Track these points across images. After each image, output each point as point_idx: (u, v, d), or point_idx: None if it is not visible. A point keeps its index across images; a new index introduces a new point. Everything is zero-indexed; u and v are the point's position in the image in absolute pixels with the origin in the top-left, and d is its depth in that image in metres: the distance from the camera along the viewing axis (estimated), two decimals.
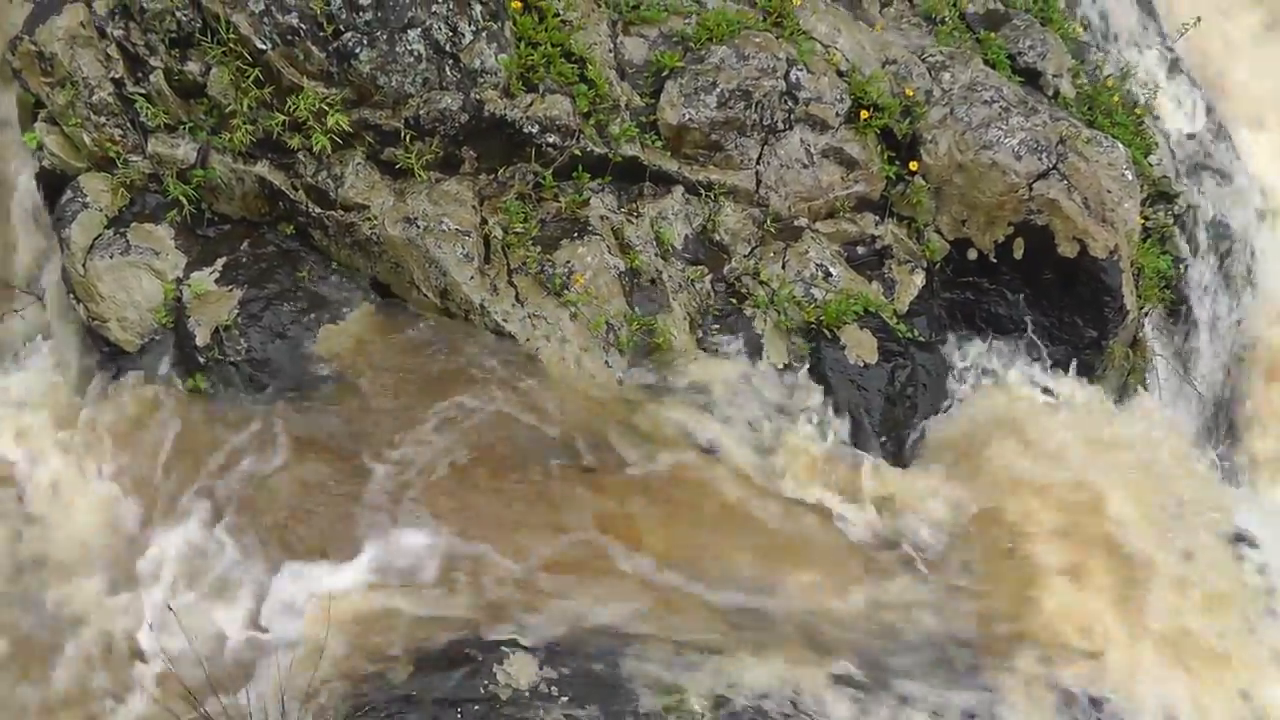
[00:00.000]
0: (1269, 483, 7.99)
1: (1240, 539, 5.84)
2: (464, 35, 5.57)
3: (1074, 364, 6.37)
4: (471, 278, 5.35)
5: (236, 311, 5.37)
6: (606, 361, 5.36)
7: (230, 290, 5.44)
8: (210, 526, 4.95)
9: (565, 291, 5.40)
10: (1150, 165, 7.20)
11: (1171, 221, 7.33)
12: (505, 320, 5.34)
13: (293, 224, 5.62)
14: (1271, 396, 8.14)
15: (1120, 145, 6.50)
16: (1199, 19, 8.30)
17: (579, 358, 5.33)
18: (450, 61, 5.56)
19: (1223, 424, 7.94)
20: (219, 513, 4.98)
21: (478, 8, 5.62)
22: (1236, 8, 9.21)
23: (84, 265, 5.50)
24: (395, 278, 5.49)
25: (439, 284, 5.37)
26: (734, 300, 5.75)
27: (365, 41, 5.38)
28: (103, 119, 5.60)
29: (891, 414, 5.77)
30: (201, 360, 5.31)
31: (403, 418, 5.10)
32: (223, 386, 5.31)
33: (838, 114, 6.13)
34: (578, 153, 5.71)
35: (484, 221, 5.52)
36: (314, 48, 5.35)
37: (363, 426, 5.11)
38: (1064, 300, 6.35)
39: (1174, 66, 8.27)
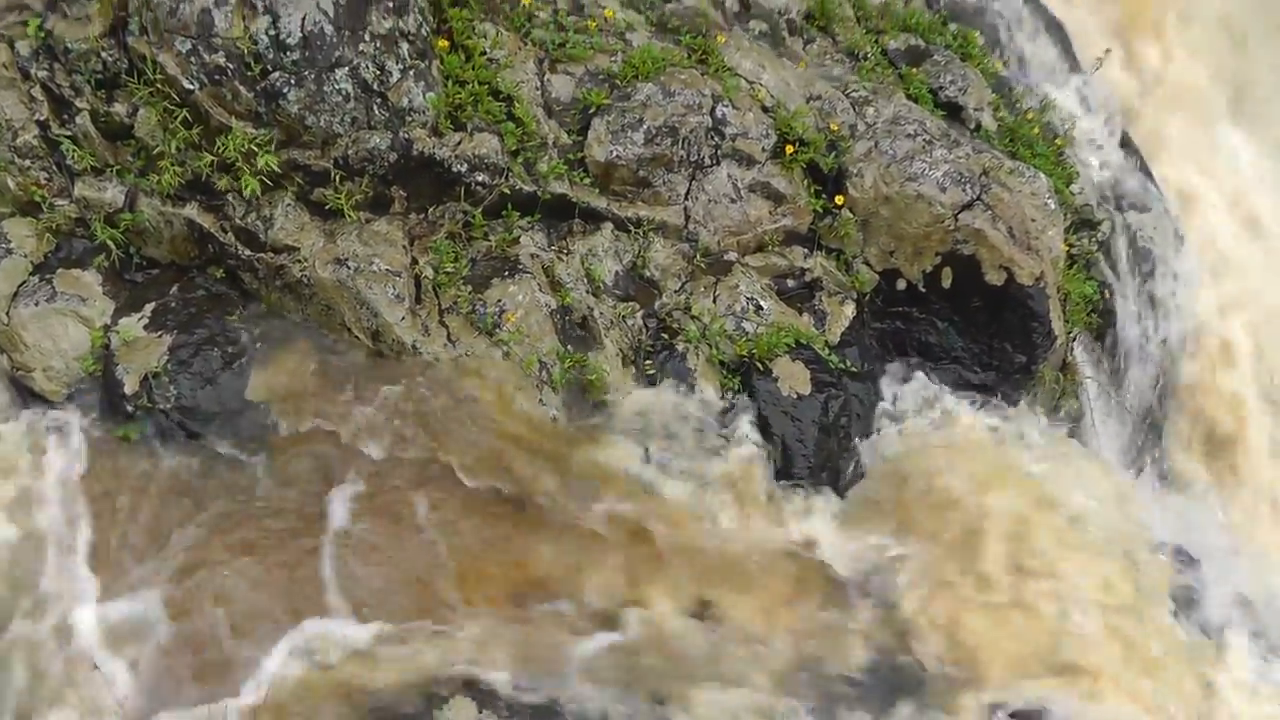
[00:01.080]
0: (1197, 494, 8.28)
1: (1168, 550, 6.07)
2: (391, 74, 5.67)
3: (1005, 388, 6.56)
4: (403, 319, 5.39)
5: (166, 358, 5.35)
6: (540, 400, 5.42)
7: (159, 336, 5.42)
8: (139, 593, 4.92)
9: (497, 331, 5.46)
10: (1072, 194, 7.47)
11: (1095, 248, 7.59)
12: (437, 360, 5.37)
13: (222, 267, 5.63)
14: (1195, 411, 8.43)
15: (1042, 175, 6.74)
16: (1109, 51, 8.67)
17: (512, 397, 5.38)
18: (378, 100, 5.64)
19: (1153, 439, 8.20)
20: (150, 580, 4.94)
21: (405, 46, 5.73)
22: (1143, 42, 9.61)
23: (7, 314, 5.48)
24: (327, 320, 5.50)
25: (370, 326, 5.41)
26: (666, 335, 5.85)
27: (293, 81, 5.46)
28: (27, 162, 5.61)
29: (826, 444, 5.90)
30: (130, 409, 5.29)
31: (334, 466, 5.13)
32: (152, 435, 5.28)
33: (764, 149, 6.29)
34: (507, 191, 5.80)
35: (415, 261, 5.58)
36: (242, 87, 5.41)
37: (295, 477, 5.14)
38: (993, 327, 6.53)
39: (1090, 99, 8.58)
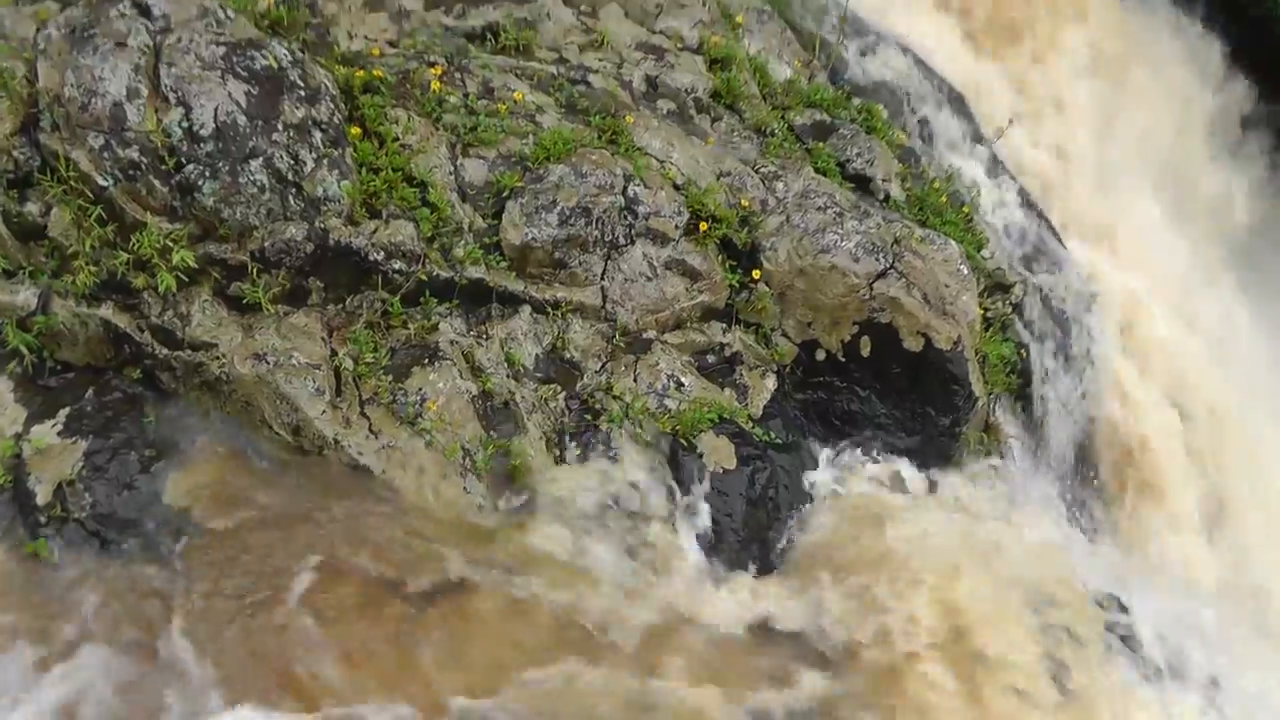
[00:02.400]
0: (1124, 545, 8.55)
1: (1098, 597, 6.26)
2: (305, 163, 5.76)
3: (931, 452, 6.80)
4: (323, 412, 5.43)
5: (80, 464, 5.28)
6: (465, 488, 5.49)
7: (74, 442, 5.37)
8: None
9: (419, 420, 5.53)
10: (983, 259, 7.77)
11: (1010, 310, 7.87)
12: (360, 454, 5.42)
13: (139, 368, 5.60)
14: (1117, 465, 8.72)
15: (953, 242, 7.01)
16: (1011, 121, 9.09)
17: (437, 486, 5.44)
18: (293, 190, 5.72)
19: (1078, 493, 8.47)
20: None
21: (318, 135, 5.84)
22: (1046, 109, 10.06)
23: None
24: (246, 417, 5.52)
25: (291, 421, 5.44)
26: (589, 416, 5.96)
27: (208, 173, 5.52)
28: None
29: (754, 517, 6.05)
30: (43, 520, 5.16)
31: (258, 566, 5.08)
32: (66, 548, 5.14)
33: (677, 226, 6.48)
34: (424, 278, 5.90)
35: (334, 353, 5.63)
36: (156, 182, 5.47)
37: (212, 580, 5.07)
38: (915, 392, 6.78)
39: (995, 166, 8.96)
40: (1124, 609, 6.30)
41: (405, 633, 4.98)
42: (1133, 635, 6.17)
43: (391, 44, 6.92)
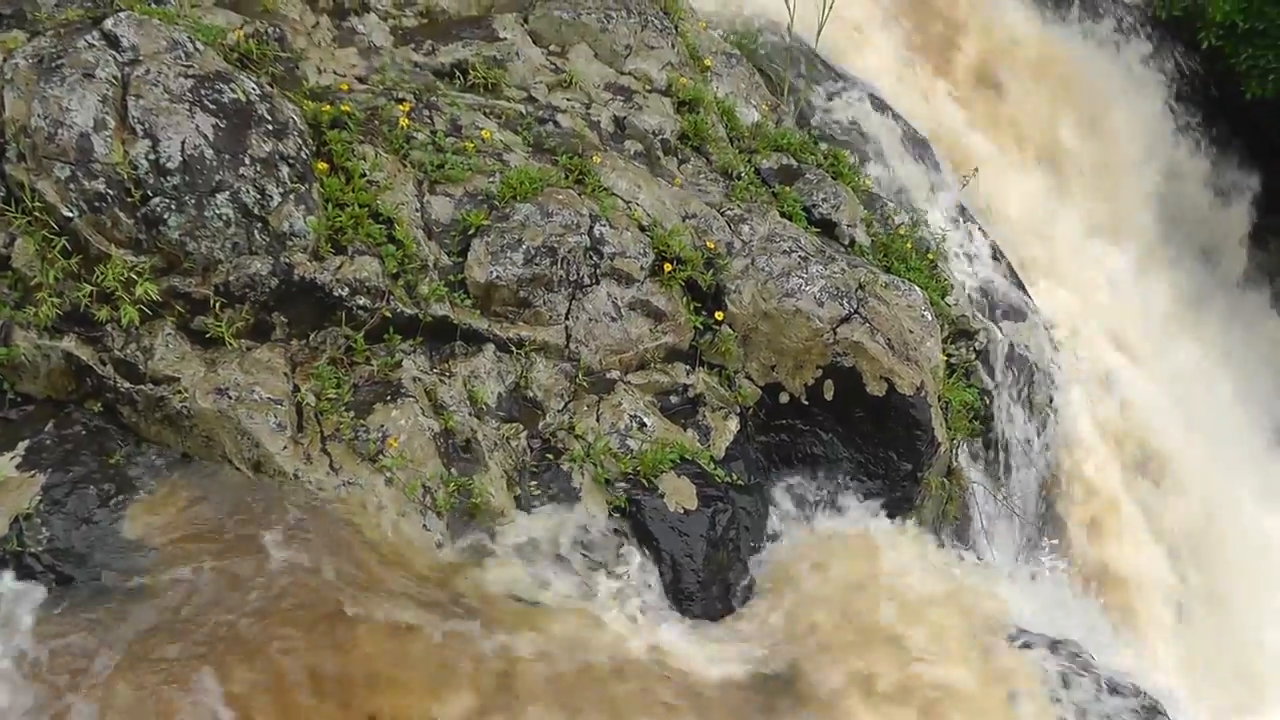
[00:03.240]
0: (1085, 590, 8.69)
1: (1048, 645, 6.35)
2: (272, 198, 5.83)
3: (892, 497, 6.87)
4: (284, 448, 5.47)
5: (39, 498, 5.25)
6: (425, 525, 5.53)
7: (33, 475, 5.36)
8: None
9: (380, 457, 5.57)
10: (948, 305, 7.92)
11: (974, 356, 8.04)
12: (320, 489, 5.45)
13: (100, 401, 5.61)
14: (1076, 512, 8.88)
15: (917, 288, 7.16)
16: (976, 170, 9.31)
17: (396, 524, 5.48)
18: (259, 225, 5.79)
19: (1043, 537, 8.62)
20: None
21: (285, 169, 5.91)
22: (1010, 166, 10.30)
23: None
24: (207, 452, 5.53)
25: (252, 456, 5.46)
26: (550, 456, 6.04)
27: (174, 206, 5.58)
28: None
29: (715, 558, 6.12)
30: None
31: (212, 605, 5.04)
32: (21, 582, 5.09)
33: (642, 267, 6.59)
34: (388, 314, 5.96)
35: (296, 389, 5.67)
36: (122, 214, 5.51)
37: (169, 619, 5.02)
38: (877, 436, 6.87)
39: (960, 213, 9.15)
40: (1079, 656, 6.37)
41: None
42: (1094, 685, 6.27)
43: (360, 80, 6.99)
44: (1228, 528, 10.11)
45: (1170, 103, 13.83)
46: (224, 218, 5.70)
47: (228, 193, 5.71)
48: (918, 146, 9.50)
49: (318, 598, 5.05)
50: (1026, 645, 6.22)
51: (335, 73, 6.97)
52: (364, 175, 6.28)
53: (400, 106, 6.72)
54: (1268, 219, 15.71)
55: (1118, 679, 6.26)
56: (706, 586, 6.05)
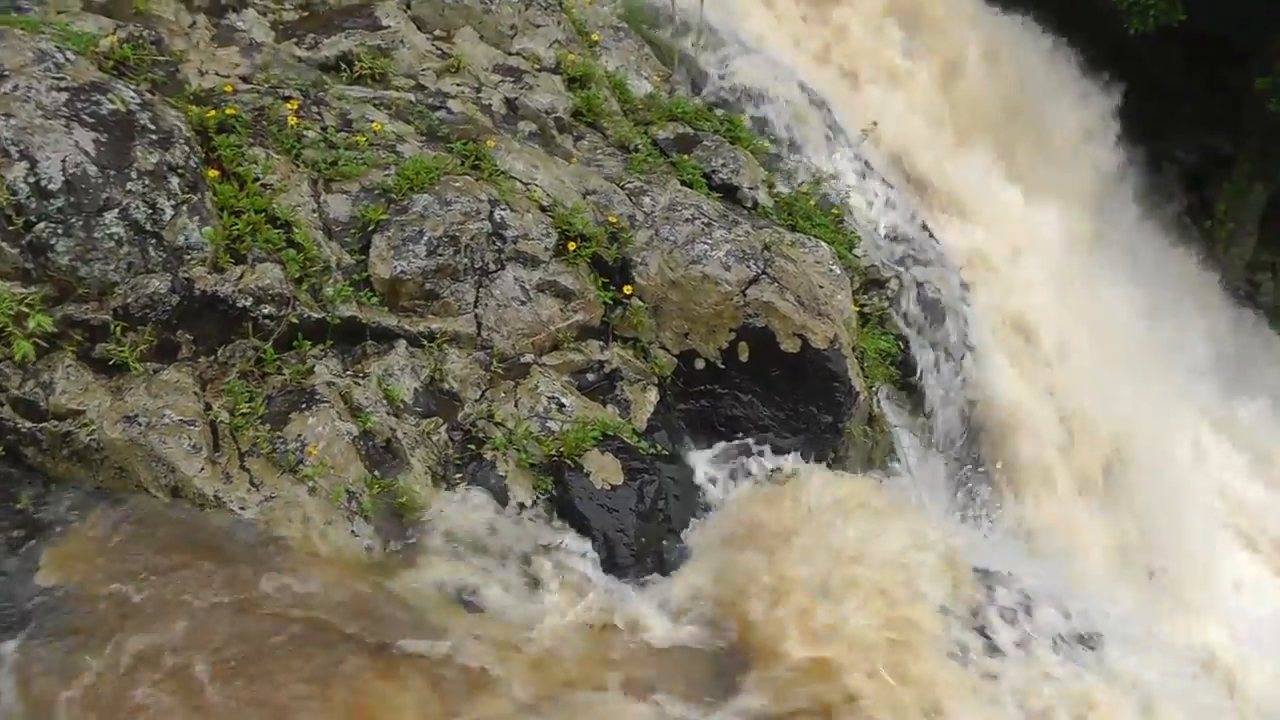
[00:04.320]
0: (1013, 524, 8.94)
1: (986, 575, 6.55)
2: (164, 211, 5.76)
3: (817, 449, 7.00)
4: (202, 469, 5.40)
5: None
6: (352, 531, 5.53)
7: None
8: None
9: (300, 467, 5.54)
10: (856, 257, 8.07)
11: (886, 304, 8.20)
12: (242, 508, 5.40)
13: (1, 444, 5.43)
14: (999, 446, 9.12)
15: (823, 244, 7.29)
16: (875, 124, 9.46)
17: (323, 532, 5.46)
18: (153, 241, 5.72)
19: (966, 476, 8.84)
20: None
21: (175, 180, 5.84)
22: (909, 112, 10.49)
23: None
24: (121, 483, 5.42)
25: (168, 482, 5.39)
26: (472, 446, 6.07)
27: (61, 230, 5.47)
28: None
29: (646, 530, 6.21)
30: None
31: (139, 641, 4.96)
32: None
33: (547, 248, 6.64)
34: (295, 320, 5.95)
35: (208, 407, 5.60)
36: (5, 244, 5.39)
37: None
38: (796, 392, 7.00)
39: (863, 167, 9.30)
40: (1000, 583, 6.56)
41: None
42: (1015, 608, 6.45)
43: (244, 80, 6.96)
44: (1147, 447, 10.41)
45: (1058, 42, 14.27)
46: (115, 237, 5.61)
47: (117, 210, 5.63)
48: (815, 105, 9.61)
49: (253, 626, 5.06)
50: (956, 579, 6.36)
51: (218, 74, 6.93)
52: (257, 179, 6.25)
53: (288, 105, 6.71)
54: (1153, 148, 16.35)
55: (1049, 601, 6.46)
56: (641, 558, 6.12)
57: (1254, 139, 17.05)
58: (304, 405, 5.79)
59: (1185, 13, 15.16)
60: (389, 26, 7.66)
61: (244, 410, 5.64)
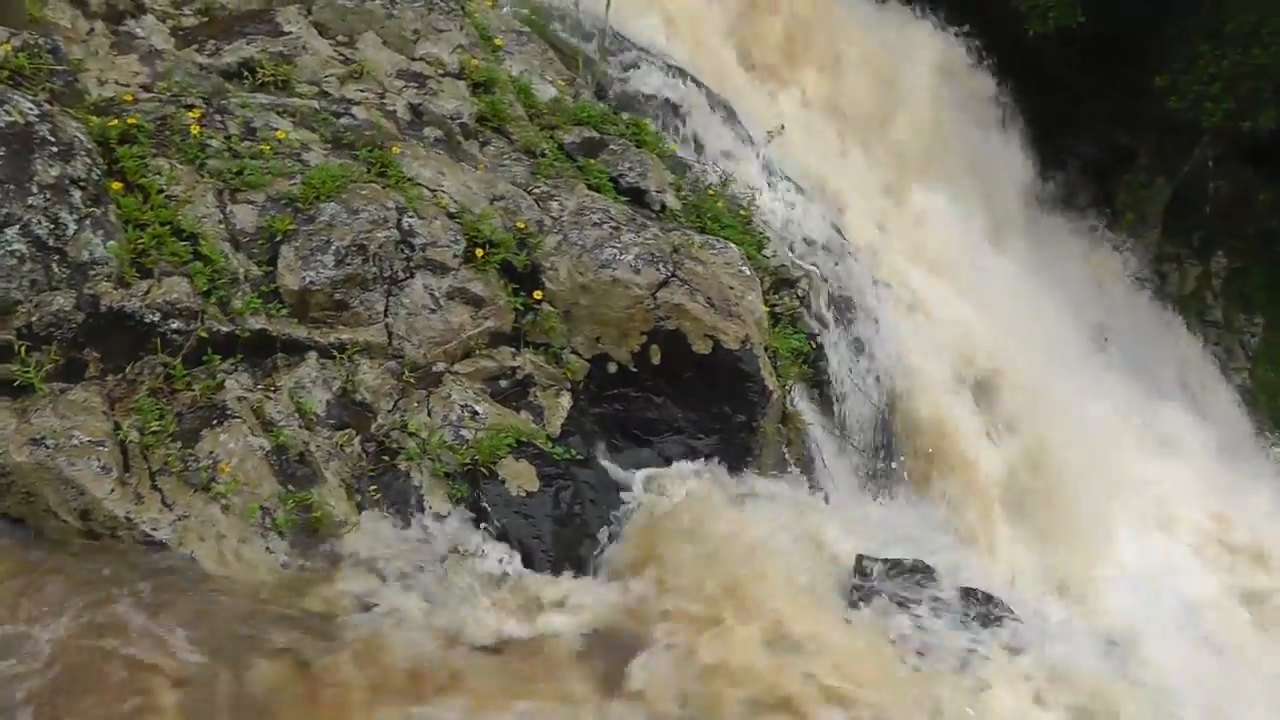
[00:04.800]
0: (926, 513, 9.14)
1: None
2: (67, 226, 5.69)
3: (732, 449, 7.11)
4: (112, 491, 5.32)
5: None
6: (267, 548, 5.51)
7: None
8: None
9: (213, 484, 5.51)
10: (766, 258, 8.20)
11: (797, 303, 8.34)
12: (154, 529, 5.34)
13: None
14: (910, 437, 9.32)
15: (732, 245, 7.41)
16: (782, 126, 9.62)
17: (238, 550, 5.43)
18: (56, 257, 5.64)
19: (881, 468, 9.02)
20: None
21: (77, 194, 5.77)
22: (815, 120, 10.68)
23: None
24: (29, 509, 5.32)
25: (78, 505, 5.29)
26: (387, 457, 6.09)
27: None
28: None
29: (563, 535, 6.29)
30: None
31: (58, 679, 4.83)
32: None
33: (455, 255, 6.68)
34: (204, 335, 5.90)
35: (118, 427, 5.53)
36: None
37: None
38: (709, 393, 7.10)
39: (769, 168, 9.45)
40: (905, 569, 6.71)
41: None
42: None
43: (145, 88, 6.88)
44: (1055, 424, 10.67)
45: (957, 46, 14.66)
46: (17, 254, 5.52)
47: (17, 226, 5.55)
48: (720, 108, 9.75)
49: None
50: (864, 570, 6.58)
51: (118, 83, 6.84)
52: (161, 191, 6.19)
53: (190, 113, 6.65)
54: (1057, 144, 16.83)
55: (957, 587, 6.66)
56: (558, 563, 6.19)
57: (1153, 134, 17.61)
58: (215, 421, 5.75)
59: (1084, 14, 15.67)
60: (290, 32, 7.63)
61: (154, 428, 5.58)
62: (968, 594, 6.66)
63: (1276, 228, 19.10)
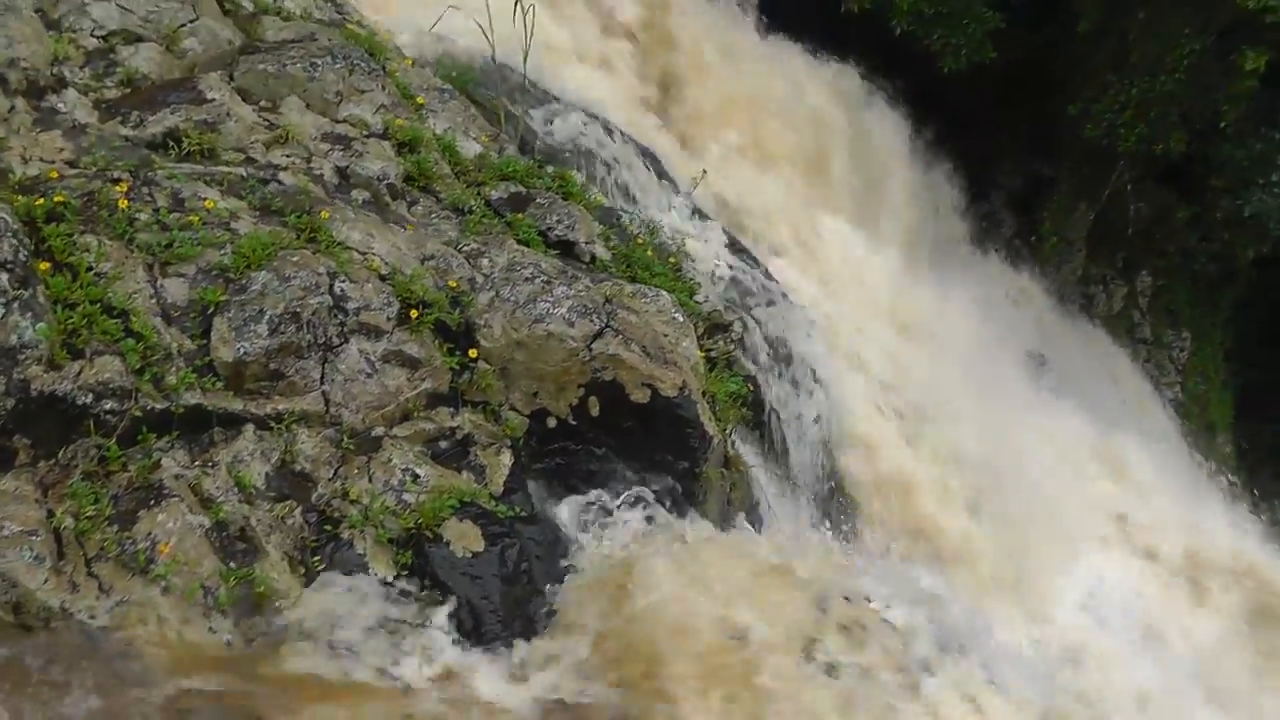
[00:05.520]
0: (875, 545, 9.18)
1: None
2: None
3: (675, 497, 7.08)
4: (46, 581, 5.21)
5: None
6: (210, 628, 5.42)
7: None
8: None
9: (151, 566, 5.40)
10: (698, 303, 8.21)
11: (732, 347, 8.36)
12: (91, 616, 5.23)
13: None
14: (854, 474, 9.36)
15: (664, 293, 7.40)
16: (704, 172, 9.70)
17: (180, 631, 5.33)
18: None
19: (827, 506, 9.05)
20: None
21: (4, 276, 5.68)
22: (737, 163, 10.77)
23: None
24: None
25: (10, 598, 5.16)
26: (329, 527, 6.02)
27: None
28: None
29: (512, 594, 6.23)
30: None
31: None
32: None
33: (389, 317, 6.61)
34: (138, 413, 5.80)
35: (51, 514, 5.42)
36: None
37: None
38: (650, 442, 7.08)
39: (696, 214, 9.50)
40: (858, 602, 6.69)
41: None
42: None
43: (71, 164, 6.77)
44: (999, 451, 10.77)
45: (876, 90, 14.98)
46: None
47: None
48: (643, 155, 9.79)
49: None
50: (822, 607, 6.51)
51: (43, 160, 6.74)
52: (90, 268, 6.09)
53: (117, 188, 6.54)
54: (979, 176, 17.22)
55: (913, 615, 6.67)
56: (508, 623, 6.13)
57: (1072, 161, 18.01)
58: (152, 501, 5.65)
59: (994, 50, 16.11)
60: (214, 99, 7.55)
61: (90, 513, 5.47)
62: (923, 619, 6.66)
63: (1196, 245, 19.56)
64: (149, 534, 5.53)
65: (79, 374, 5.76)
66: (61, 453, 5.70)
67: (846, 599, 6.63)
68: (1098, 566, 11.89)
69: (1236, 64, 15.09)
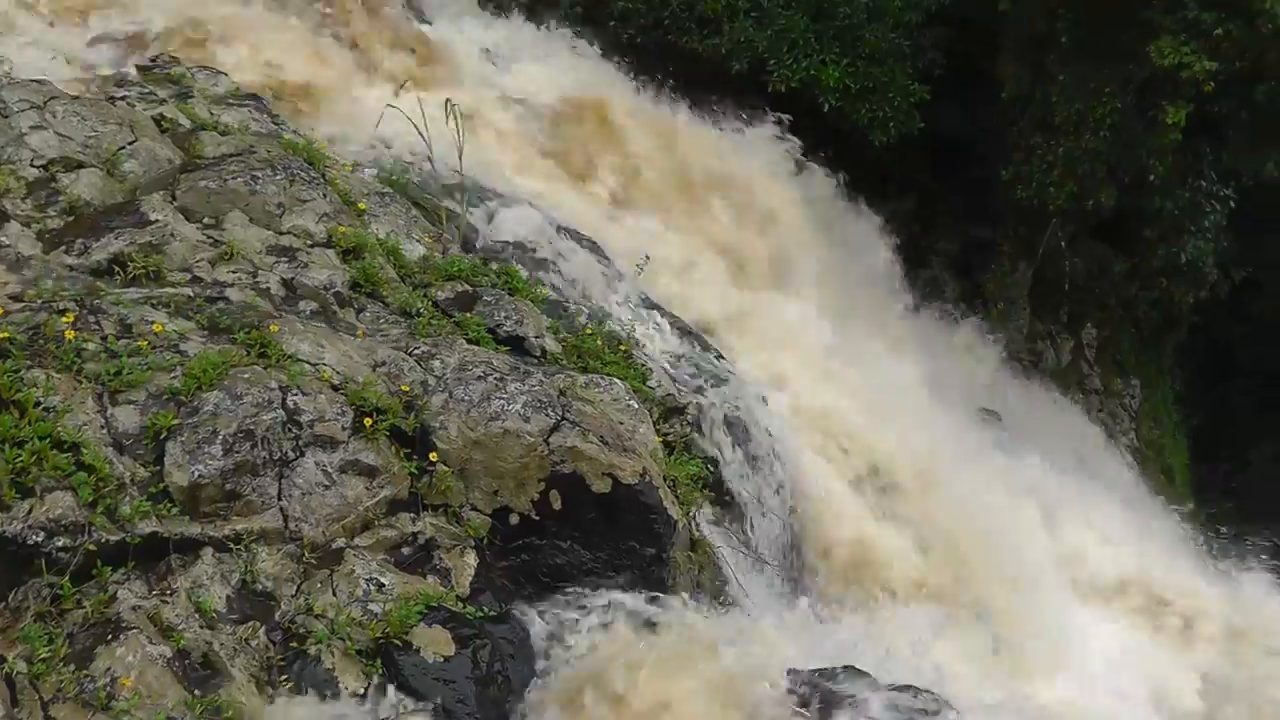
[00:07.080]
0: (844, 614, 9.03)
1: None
2: None
3: (644, 584, 6.93)
4: None
5: None
6: None
7: None
8: None
9: (113, 702, 5.16)
10: (651, 389, 8.14)
11: (689, 429, 8.27)
12: None
13: None
14: (821, 544, 9.24)
15: (617, 381, 7.33)
16: (648, 257, 9.66)
17: None
18: None
19: (795, 580, 8.91)
20: None
21: None
22: (661, 242, 10.78)
23: None
24: None
25: None
26: (295, 644, 5.82)
27: None
28: None
29: (487, 695, 6.04)
30: None
31: None
32: None
33: (344, 427, 6.46)
34: (92, 547, 5.59)
35: (2, 660, 5.21)
36: None
37: None
38: (615, 531, 6.95)
39: (643, 301, 9.45)
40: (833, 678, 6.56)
41: None
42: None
43: (15, 298, 6.60)
44: (960, 512, 10.66)
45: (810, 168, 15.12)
46: None
47: None
48: (586, 246, 9.76)
49: None
50: (792, 687, 6.35)
51: None
52: (39, 404, 5.91)
53: (64, 318, 6.38)
54: (919, 244, 17.42)
55: (889, 685, 6.51)
56: None
57: (1009, 223, 18.20)
58: (110, 636, 5.41)
59: (922, 121, 16.30)
60: (157, 221, 7.43)
61: (44, 655, 5.24)
62: (902, 690, 6.51)
63: (1135, 294, 19.77)
64: (108, 669, 5.28)
65: (29, 513, 5.55)
66: (11, 596, 5.49)
67: (815, 671, 6.50)
68: (1072, 619, 11.78)
69: (1159, 119, 15.24)
